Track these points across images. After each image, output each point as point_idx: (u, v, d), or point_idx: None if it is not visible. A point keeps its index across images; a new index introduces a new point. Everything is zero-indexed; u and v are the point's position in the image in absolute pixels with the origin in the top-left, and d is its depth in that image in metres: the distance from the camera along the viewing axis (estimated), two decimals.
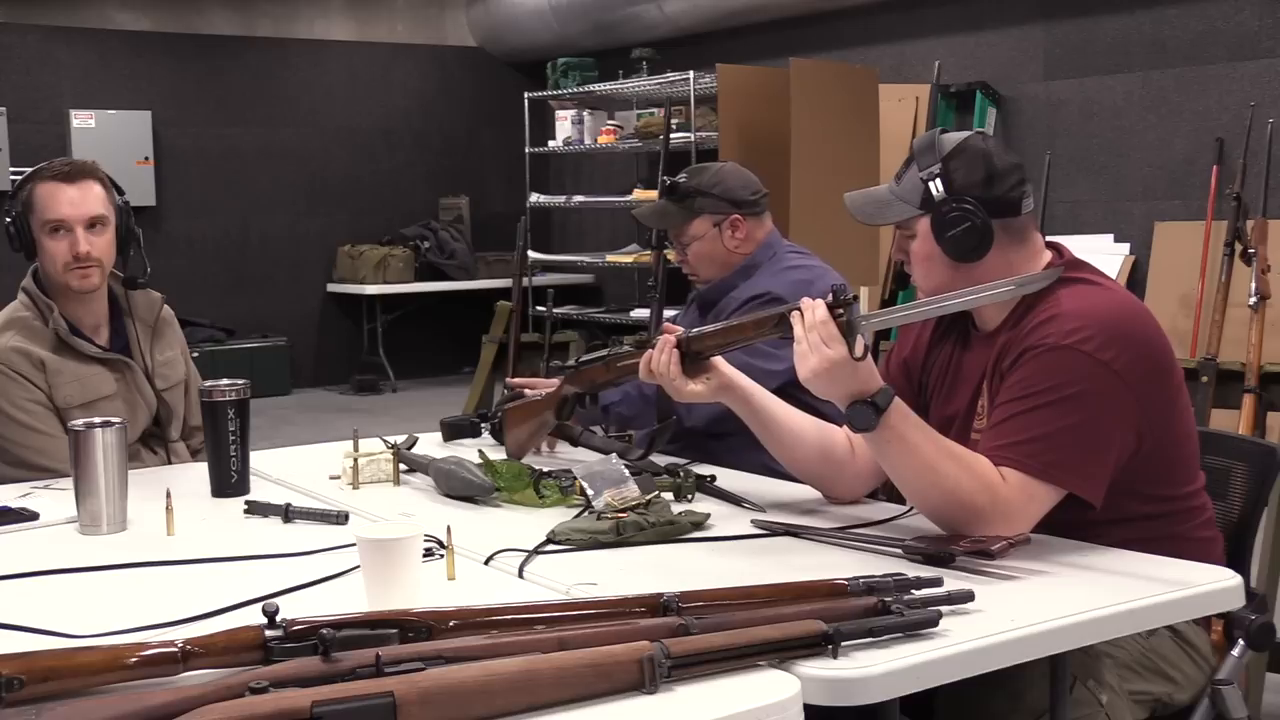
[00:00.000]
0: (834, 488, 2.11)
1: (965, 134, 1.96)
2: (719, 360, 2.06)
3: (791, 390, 2.07)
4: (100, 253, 2.59)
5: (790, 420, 2.08)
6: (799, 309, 1.84)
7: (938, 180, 1.91)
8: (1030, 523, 1.78)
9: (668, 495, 2.12)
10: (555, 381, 2.39)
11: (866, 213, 2.01)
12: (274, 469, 2.44)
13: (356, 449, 2.35)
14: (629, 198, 7.91)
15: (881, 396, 1.78)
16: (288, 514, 2.07)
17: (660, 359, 2.04)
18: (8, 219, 2.59)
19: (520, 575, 1.73)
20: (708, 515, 1.98)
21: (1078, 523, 1.82)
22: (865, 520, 1.99)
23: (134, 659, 1.28)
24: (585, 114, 8.16)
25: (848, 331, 1.79)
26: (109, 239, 2.61)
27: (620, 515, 1.90)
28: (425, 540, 1.71)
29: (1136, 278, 5.98)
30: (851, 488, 2.10)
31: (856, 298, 1.83)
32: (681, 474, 2.18)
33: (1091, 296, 1.87)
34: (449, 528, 1.76)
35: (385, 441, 2.43)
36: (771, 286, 2.65)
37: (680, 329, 2.09)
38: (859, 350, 1.77)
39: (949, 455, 1.79)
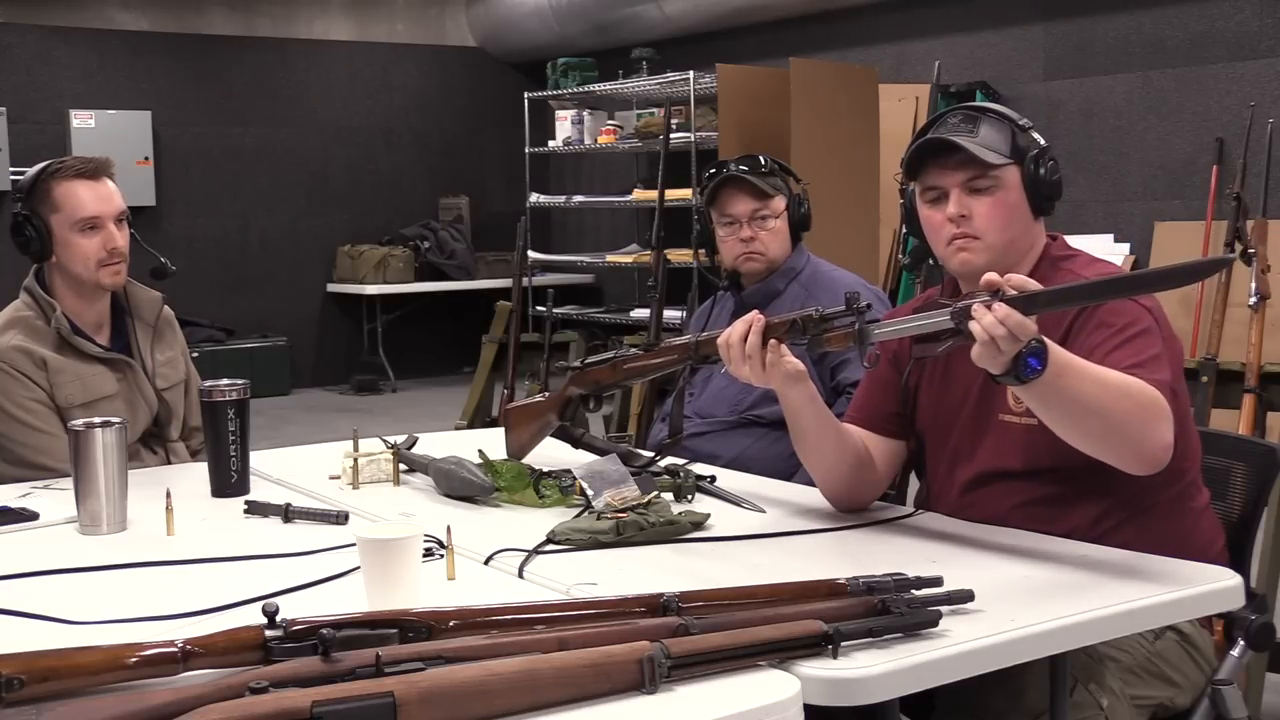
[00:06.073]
0: (853, 494, 2.06)
1: None
2: (786, 350, 1.97)
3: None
4: (127, 248, 2.61)
5: (835, 421, 2.04)
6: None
7: (1034, 132, 1.96)
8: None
9: (668, 495, 2.12)
10: None
11: (987, 157, 1.93)
12: (274, 469, 2.44)
13: (356, 449, 2.35)
14: (629, 198, 7.92)
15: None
16: (288, 514, 2.07)
17: (754, 340, 1.92)
18: (21, 218, 2.58)
19: (520, 575, 1.73)
20: (708, 515, 1.98)
21: (1092, 494, 1.85)
22: (866, 521, 2.00)
23: (134, 659, 1.28)
24: (585, 114, 8.15)
25: (859, 339, 1.79)
26: (128, 234, 2.63)
27: (620, 515, 1.90)
28: (425, 540, 1.71)
29: None
30: (868, 495, 2.08)
31: (870, 306, 1.83)
32: (681, 474, 2.18)
33: (1102, 265, 1.99)
34: (449, 528, 1.76)
35: (385, 441, 2.42)
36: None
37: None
38: (869, 360, 1.78)
39: None
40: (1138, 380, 1.74)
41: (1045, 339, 1.64)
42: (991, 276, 1.64)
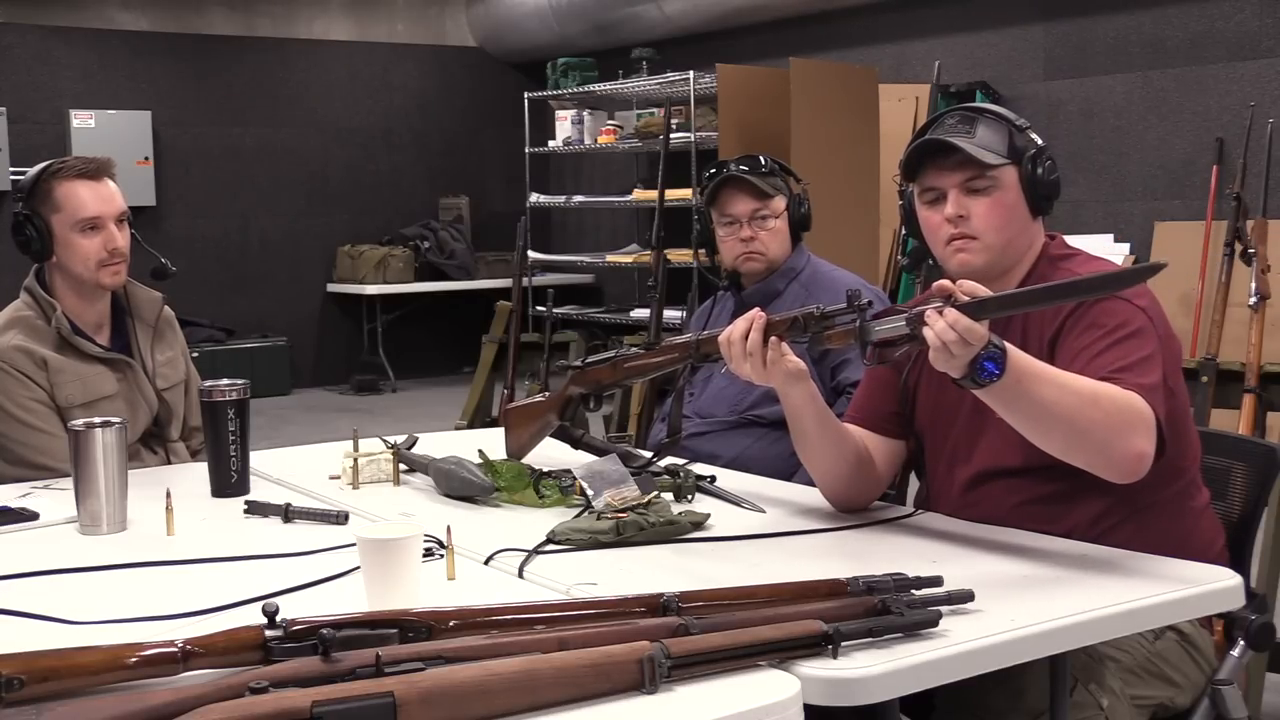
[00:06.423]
0: (853, 494, 2.06)
1: None
2: (787, 348, 1.95)
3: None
4: (127, 248, 2.62)
5: (836, 420, 2.04)
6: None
7: (1031, 132, 1.97)
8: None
9: (668, 495, 2.12)
10: None
11: (984, 157, 1.95)
12: (274, 469, 2.44)
13: (356, 449, 2.35)
14: (629, 198, 7.92)
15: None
16: (288, 514, 2.07)
17: (755, 337, 1.91)
18: (22, 218, 2.58)
19: (520, 575, 1.73)
20: (708, 515, 1.98)
21: (1091, 493, 1.85)
22: (866, 521, 2.00)
23: (134, 659, 1.28)
24: (585, 114, 8.16)
25: (861, 337, 1.79)
26: (128, 235, 2.63)
27: (620, 515, 1.90)
28: (425, 540, 1.71)
29: None
30: (868, 495, 2.09)
31: (870, 303, 1.83)
32: (681, 474, 2.18)
33: (1101, 264, 2.00)
34: (449, 528, 1.76)
35: (385, 441, 2.42)
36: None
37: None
38: (870, 357, 1.79)
39: None
40: (1113, 387, 1.74)
41: (1006, 344, 1.66)
42: (944, 283, 1.68)
